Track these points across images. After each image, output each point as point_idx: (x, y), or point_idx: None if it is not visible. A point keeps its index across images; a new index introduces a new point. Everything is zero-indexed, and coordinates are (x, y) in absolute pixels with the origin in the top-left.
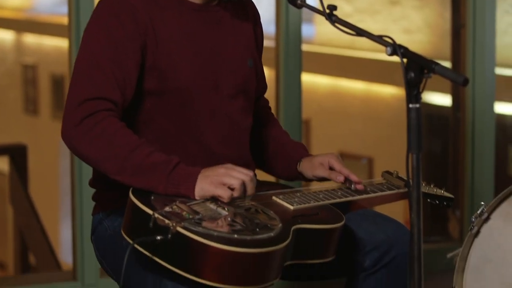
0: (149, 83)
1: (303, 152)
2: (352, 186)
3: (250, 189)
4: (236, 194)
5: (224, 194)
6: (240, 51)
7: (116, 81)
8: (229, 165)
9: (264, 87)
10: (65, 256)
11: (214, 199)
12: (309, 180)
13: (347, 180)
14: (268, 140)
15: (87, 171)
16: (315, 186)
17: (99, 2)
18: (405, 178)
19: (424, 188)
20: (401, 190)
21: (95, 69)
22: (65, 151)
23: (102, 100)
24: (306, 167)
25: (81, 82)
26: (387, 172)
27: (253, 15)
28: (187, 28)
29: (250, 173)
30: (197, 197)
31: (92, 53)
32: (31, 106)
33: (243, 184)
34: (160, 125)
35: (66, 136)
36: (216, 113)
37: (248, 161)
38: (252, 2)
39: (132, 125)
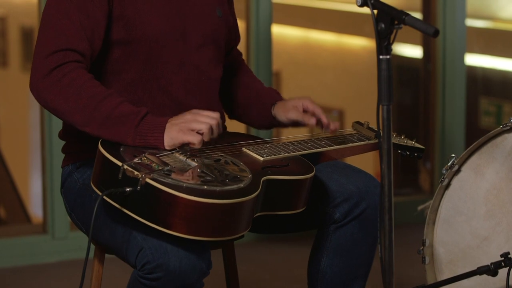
0: (116, 33)
1: (277, 96)
2: (324, 129)
3: (216, 133)
4: (205, 138)
5: (194, 139)
6: (208, 0)
7: (84, 32)
8: (195, 110)
9: (237, 38)
10: (35, 209)
11: (184, 150)
12: (283, 126)
13: (319, 122)
14: (241, 88)
15: (57, 124)
16: (285, 137)
17: None
18: (376, 129)
19: (395, 139)
20: (372, 141)
21: (62, 19)
22: (35, 104)
23: (70, 52)
24: (279, 110)
25: (49, 33)
26: (358, 122)
27: None
28: None
29: (216, 114)
30: (166, 147)
31: (60, 2)
32: (0, 58)
33: (211, 128)
34: (127, 75)
35: (34, 87)
36: (184, 62)
37: (218, 112)
38: None
39: (100, 76)
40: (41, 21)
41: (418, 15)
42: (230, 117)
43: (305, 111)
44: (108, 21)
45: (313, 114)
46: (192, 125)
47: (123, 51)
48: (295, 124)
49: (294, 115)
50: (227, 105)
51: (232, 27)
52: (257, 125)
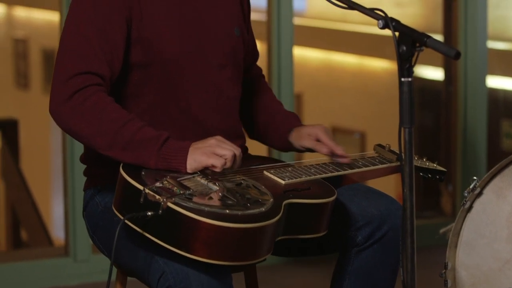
0: (135, 55)
1: (295, 122)
2: (337, 159)
3: (238, 164)
4: (228, 164)
5: (217, 162)
6: (226, 20)
7: (103, 55)
8: (219, 137)
9: (255, 55)
10: (57, 232)
11: (205, 174)
12: (300, 151)
13: (332, 153)
14: (260, 109)
15: (79, 146)
16: (307, 160)
17: None
18: (398, 151)
19: (417, 162)
20: (393, 164)
21: (82, 43)
22: (57, 126)
23: (90, 75)
24: (294, 137)
25: (69, 56)
26: (379, 145)
27: None
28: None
29: (239, 150)
30: (189, 170)
31: (79, 25)
32: (22, 80)
33: (234, 156)
34: (147, 97)
35: (55, 111)
36: (204, 83)
37: (238, 131)
38: None
39: (119, 99)
40: (60, 45)
41: (439, 37)
42: (251, 137)
43: (318, 140)
44: (127, 44)
45: (326, 145)
46: (216, 150)
47: (142, 74)
48: (308, 150)
49: (307, 143)
50: (248, 124)
51: (250, 44)
52: (276, 147)
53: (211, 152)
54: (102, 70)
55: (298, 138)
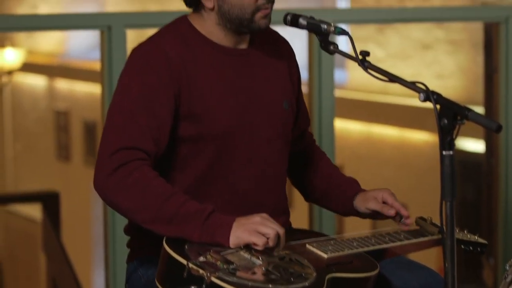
0: (184, 130)
1: (357, 187)
2: (402, 220)
3: (282, 244)
4: (270, 243)
5: (259, 241)
6: (275, 94)
7: (149, 131)
8: (265, 215)
9: (307, 121)
10: None
11: (248, 248)
12: (360, 216)
13: (398, 214)
14: (319, 175)
15: (120, 219)
16: (348, 233)
17: (133, 50)
18: (439, 224)
19: (458, 234)
20: (435, 237)
21: (128, 118)
22: (98, 198)
23: (134, 150)
24: (359, 201)
25: (114, 131)
26: (421, 218)
27: (287, 53)
28: (221, 73)
29: (283, 229)
30: (231, 245)
31: (126, 101)
32: (63, 152)
33: (278, 235)
34: (195, 171)
35: (99, 185)
36: (253, 157)
37: (284, 207)
38: (286, 40)
39: (166, 173)
40: (107, 119)
41: (480, 109)
42: (306, 200)
43: (384, 202)
44: (175, 120)
45: (392, 207)
46: (259, 228)
47: (191, 148)
48: (373, 215)
49: (373, 206)
50: (303, 189)
51: (303, 111)
52: (338, 211)
53: (254, 230)
54: (147, 145)
55: (364, 201)
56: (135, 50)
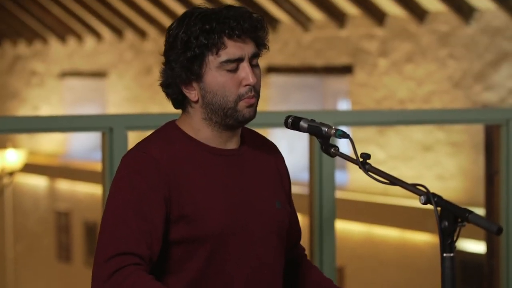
0: (177, 232)
1: None
2: None
3: None
4: None
5: None
6: (267, 193)
7: (142, 235)
8: None
9: (298, 232)
10: None
11: None
12: None
13: None
14: (311, 285)
15: None
16: None
17: (122, 158)
18: None
19: None
20: None
21: (120, 224)
22: None
23: (129, 255)
24: None
25: (108, 238)
26: None
27: (275, 157)
28: (211, 174)
29: None
30: None
31: (117, 208)
32: (64, 253)
33: None
34: (190, 273)
35: None
36: (248, 257)
37: None
38: (274, 144)
39: (161, 276)
40: (101, 226)
41: (481, 211)
42: None
43: None
44: (168, 223)
45: None
46: None
47: (184, 250)
48: None
49: None
50: None
51: (293, 220)
52: None
53: None
54: (141, 250)
55: None
56: (124, 157)
